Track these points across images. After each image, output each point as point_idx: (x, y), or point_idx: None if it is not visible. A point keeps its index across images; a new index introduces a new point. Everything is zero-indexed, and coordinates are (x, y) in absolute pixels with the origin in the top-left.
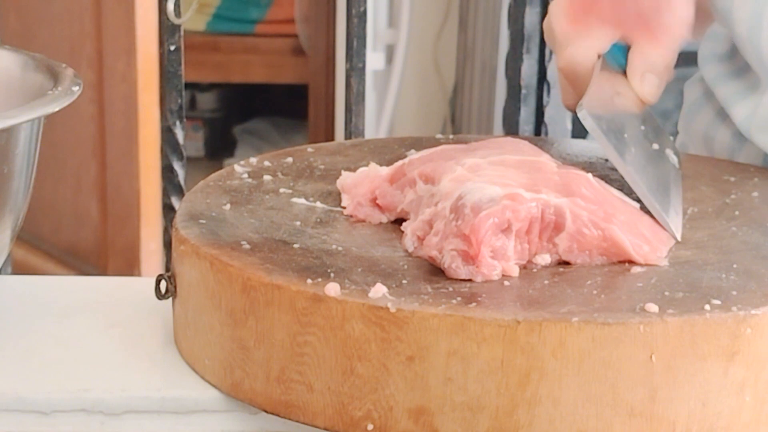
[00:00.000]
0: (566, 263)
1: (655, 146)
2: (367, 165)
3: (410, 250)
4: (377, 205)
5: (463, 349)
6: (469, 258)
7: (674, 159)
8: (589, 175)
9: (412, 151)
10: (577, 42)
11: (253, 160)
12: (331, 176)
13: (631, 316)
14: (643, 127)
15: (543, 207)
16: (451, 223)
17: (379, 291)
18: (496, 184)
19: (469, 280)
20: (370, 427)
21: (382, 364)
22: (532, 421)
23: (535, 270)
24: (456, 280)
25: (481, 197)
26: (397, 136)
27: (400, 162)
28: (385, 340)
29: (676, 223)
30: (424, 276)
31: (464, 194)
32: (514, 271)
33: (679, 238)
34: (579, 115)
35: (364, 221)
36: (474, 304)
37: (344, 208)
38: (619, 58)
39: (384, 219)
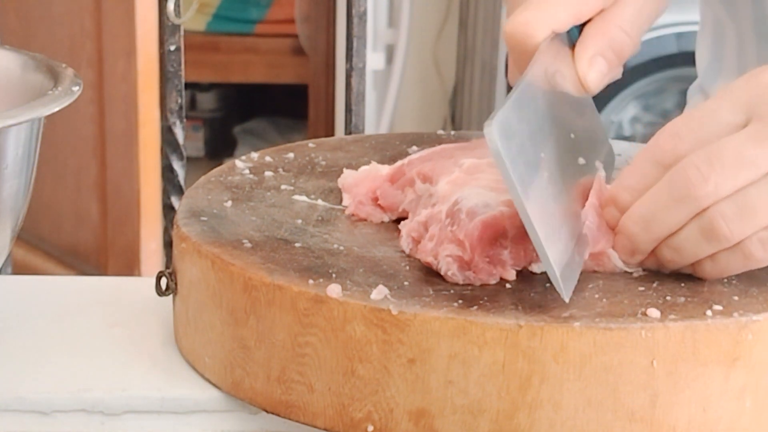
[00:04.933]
0: None
1: (582, 160)
2: (368, 162)
3: (406, 251)
4: (378, 204)
5: (464, 352)
6: (465, 264)
7: (603, 174)
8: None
9: (414, 147)
10: (535, 10)
11: (254, 155)
12: (332, 173)
13: (633, 321)
14: (573, 135)
15: None
16: (447, 228)
17: (380, 293)
18: (493, 189)
19: (471, 283)
20: (370, 428)
21: (383, 365)
22: (532, 425)
23: (535, 275)
24: (458, 282)
25: (477, 203)
26: (397, 132)
27: (400, 162)
28: (387, 342)
29: (567, 280)
30: (426, 278)
31: (461, 199)
32: (511, 275)
33: (566, 299)
34: (485, 131)
35: (365, 220)
36: (476, 307)
37: (346, 207)
38: (575, 34)
39: (386, 218)
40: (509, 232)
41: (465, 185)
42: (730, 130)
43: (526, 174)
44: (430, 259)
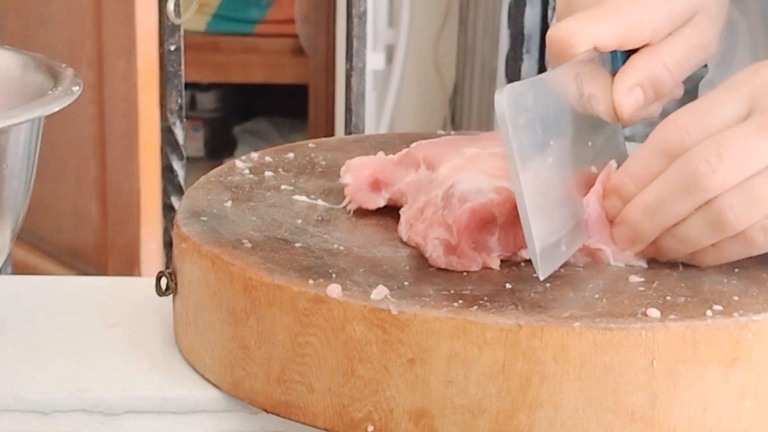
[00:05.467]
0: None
1: (594, 169)
2: None
3: (404, 238)
4: (377, 187)
5: (464, 352)
6: (451, 248)
7: (614, 165)
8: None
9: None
10: (582, 21)
11: (254, 155)
12: (332, 172)
13: (633, 321)
14: (590, 143)
15: None
16: (439, 211)
17: (381, 293)
18: (489, 175)
19: (472, 282)
20: (370, 428)
21: (383, 366)
22: (532, 425)
23: (536, 275)
24: (458, 282)
25: (470, 188)
26: (398, 132)
27: (407, 149)
28: (387, 342)
29: (549, 260)
30: (426, 277)
31: (455, 183)
32: (495, 264)
33: (540, 277)
34: (496, 97)
35: (364, 218)
36: (476, 307)
37: (345, 197)
38: (618, 62)
39: (382, 202)
40: (498, 219)
41: (463, 170)
42: (734, 123)
43: (529, 149)
44: (419, 240)
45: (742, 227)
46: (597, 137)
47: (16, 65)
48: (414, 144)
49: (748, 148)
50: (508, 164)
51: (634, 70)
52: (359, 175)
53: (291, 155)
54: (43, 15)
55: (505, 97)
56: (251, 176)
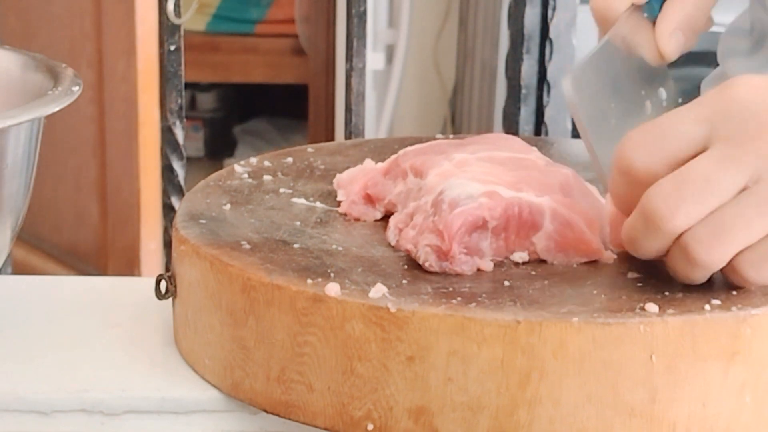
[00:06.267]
0: None
1: (648, 104)
2: None
3: (392, 243)
4: (370, 201)
5: (463, 349)
6: (442, 254)
7: (664, 96)
8: (573, 173)
9: None
10: None
11: (253, 159)
12: (331, 176)
13: (631, 316)
14: (643, 92)
15: (520, 206)
16: (429, 218)
17: (379, 291)
18: (479, 181)
19: (470, 280)
20: (370, 427)
21: (383, 364)
22: (532, 421)
23: (534, 273)
24: (456, 280)
25: (460, 193)
26: (397, 136)
27: (394, 156)
28: (386, 340)
29: None
30: (425, 276)
31: (445, 189)
32: (488, 267)
33: None
34: (563, 83)
35: (363, 221)
36: (474, 304)
37: (340, 203)
38: (655, 10)
39: (378, 215)
40: (489, 224)
41: (452, 177)
42: (690, 142)
43: (595, 119)
44: (409, 247)
45: (716, 261)
46: (646, 82)
47: (16, 65)
48: (401, 152)
49: (708, 182)
50: (583, 139)
51: (671, 15)
52: (351, 190)
53: (290, 159)
54: (43, 15)
55: (570, 80)
56: (250, 180)
